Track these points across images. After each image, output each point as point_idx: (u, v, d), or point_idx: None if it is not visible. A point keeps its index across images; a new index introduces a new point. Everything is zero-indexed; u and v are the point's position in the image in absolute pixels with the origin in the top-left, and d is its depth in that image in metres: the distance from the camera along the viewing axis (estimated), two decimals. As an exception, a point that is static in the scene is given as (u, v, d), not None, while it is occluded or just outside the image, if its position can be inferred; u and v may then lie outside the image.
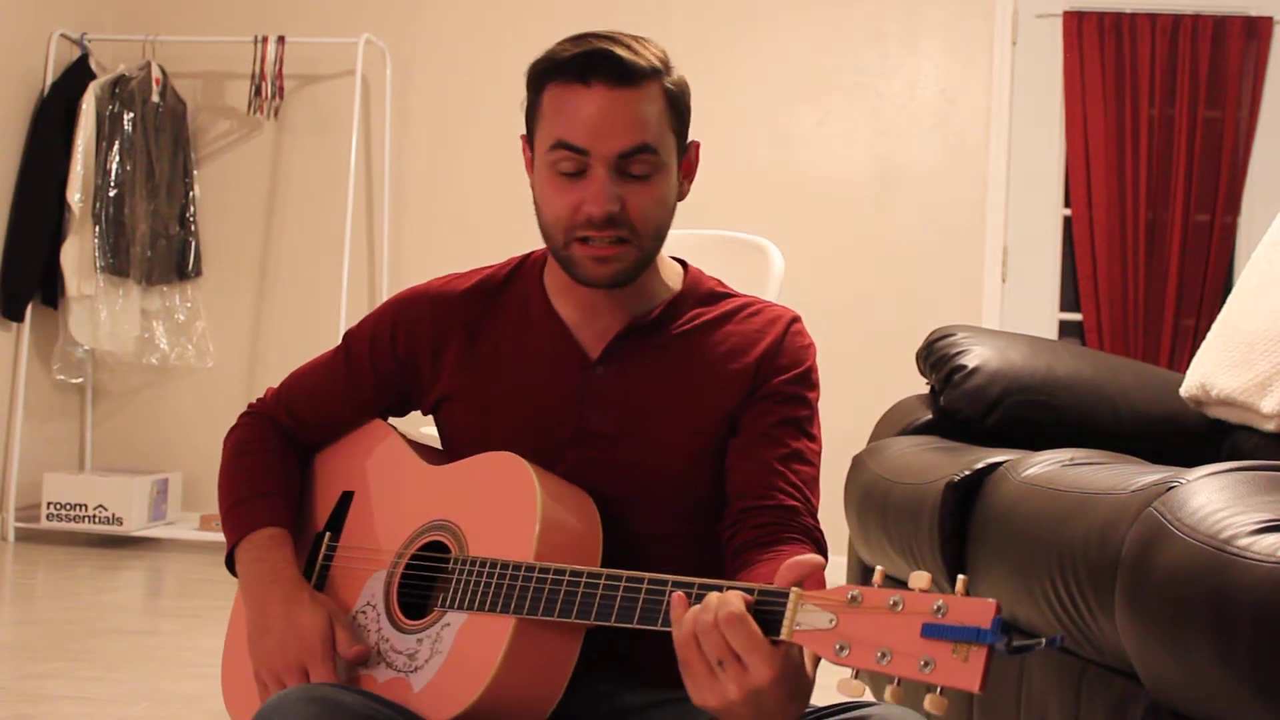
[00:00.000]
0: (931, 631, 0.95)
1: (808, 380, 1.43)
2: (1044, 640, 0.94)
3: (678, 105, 1.36)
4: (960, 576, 0.97)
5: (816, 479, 1.41)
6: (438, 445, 1.50)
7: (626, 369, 1.40)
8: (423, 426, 1.61)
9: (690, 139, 1.41)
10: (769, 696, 1.03)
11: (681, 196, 1.40)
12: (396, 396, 1.49)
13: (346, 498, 1.47)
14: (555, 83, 1.33)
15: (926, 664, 0.94)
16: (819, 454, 1.42)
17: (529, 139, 1.40)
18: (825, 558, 1.30)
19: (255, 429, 1.53)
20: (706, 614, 1.05)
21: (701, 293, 1.46)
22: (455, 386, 1.44)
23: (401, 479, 1.43)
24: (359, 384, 1.49)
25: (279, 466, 1.49)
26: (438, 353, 1.44)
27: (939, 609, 0.95)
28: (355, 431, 1.51)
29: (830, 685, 1.17)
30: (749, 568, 1.30)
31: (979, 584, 1.77)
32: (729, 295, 1.48)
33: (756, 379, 1.40)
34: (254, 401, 1.56)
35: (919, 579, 0.98)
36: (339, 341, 1.53)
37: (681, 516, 1.39)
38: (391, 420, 1.53)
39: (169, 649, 3.22)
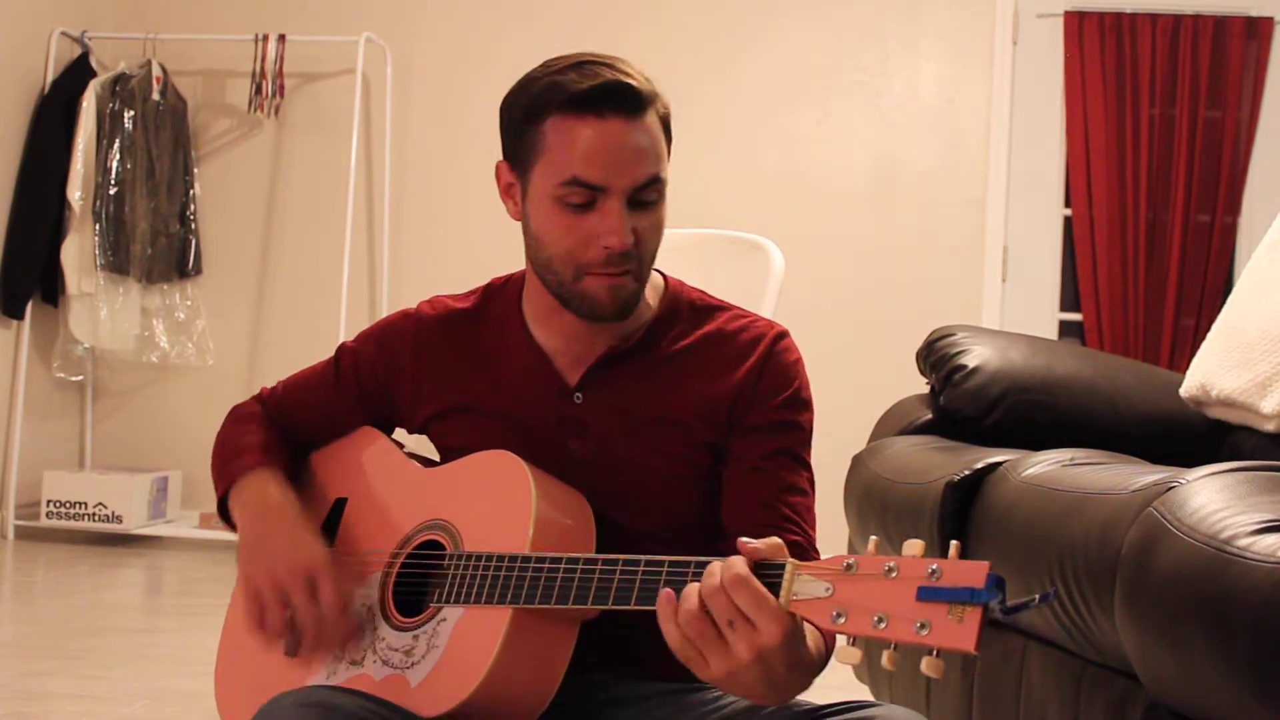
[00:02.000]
0: (927, 594, 0.96)
1: (796, 402, 1.40)
2: (1037, 597, 0.96)
3: (668, 128, 1.36)
4: (953, 543, 0.98)
5: (812, 507, 1.39)
6: (429, 453, 1.50)
7: (605, 396, 1.38)
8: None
9: None
10: (777, 659, 1.04)
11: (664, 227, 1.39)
12: (382, 416, 1.50)
13: (340, 504, 1.46)
14: (563, 114, 1.29)
15: (922, 626, 0.95)
16: (812, 480, 1.40)
17: (518, 167, 1.36)
18: None
19: (257, 411, 1.53)
20: (712, 578, 1.06)
21: (682, 308, 1.43)
22: (436, 413, 1.44)
23: (395, 483, 1.43)
24: (346, 401, 1.50)
25: (282, 445, 1.50)
26: (417, 380, 1.45)
27: (933, 572, 0.96)
28: (347, 438, 1.51)
29: (829, 685, 1.17)
30: None
31: (978, 584, 1.77)
32: (712, 308, 1.45)
33: (738, 406, 1.38)
34: (253, 396, 1.57)
35: (912, 546, 0.99)
36: (336, 343, 1.53)
37: (667, 542, 1.36)
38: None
39: (168, 647, 3.22)
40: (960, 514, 1.82)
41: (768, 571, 1.05)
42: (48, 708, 2.64)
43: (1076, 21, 4.65)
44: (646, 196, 1.31)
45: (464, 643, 1.24)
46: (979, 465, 1.83)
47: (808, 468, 1.40)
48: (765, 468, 1.36)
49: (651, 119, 1.32)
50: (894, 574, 0.98)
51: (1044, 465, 1.70)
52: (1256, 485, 1.29)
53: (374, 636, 1.32)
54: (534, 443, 1.36)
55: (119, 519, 4.62)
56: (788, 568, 1.04)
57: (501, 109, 1.37)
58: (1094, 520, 1.42)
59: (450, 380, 1.43)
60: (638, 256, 1.32)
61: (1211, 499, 1.26)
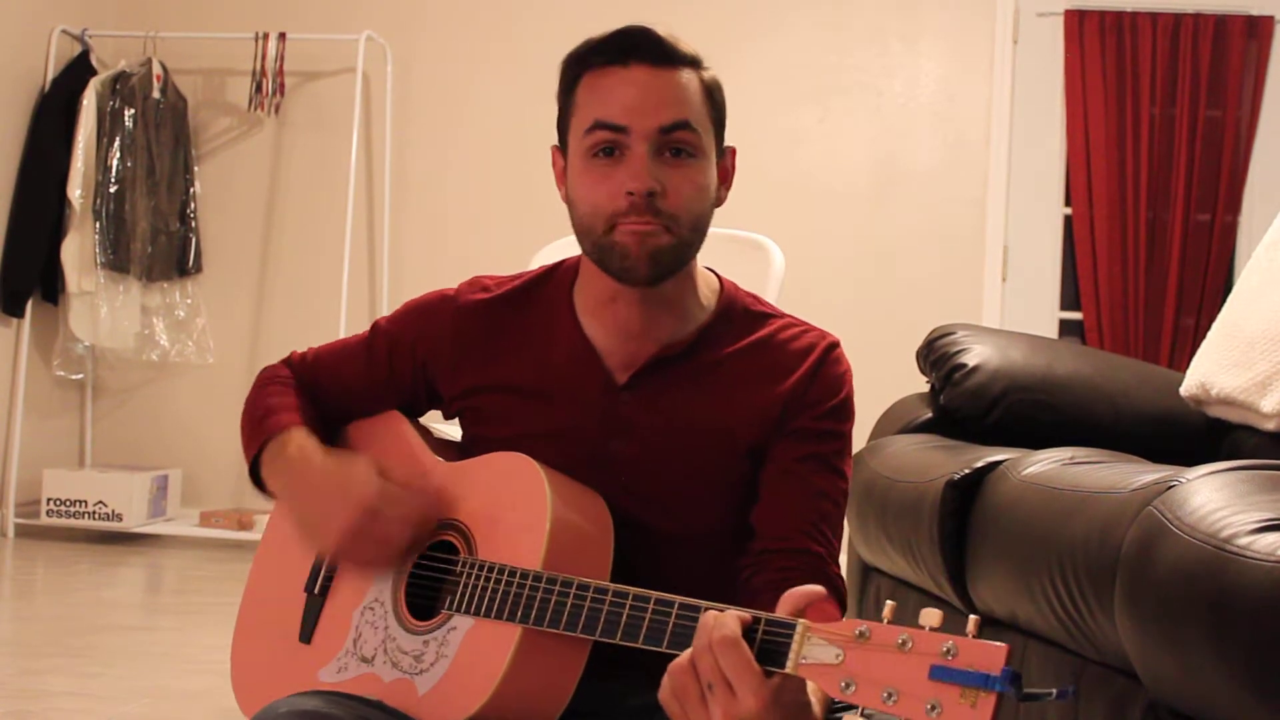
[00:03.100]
0: (940, 674, 0.93)
1: (841, 412, 1.38)
2: (1055, 691, 0.93)
3: (715, 98, 1.35)
4: (972, 617, 0.95)
5: (841, 519, 1.36)
6: (453, 438, 1.48)
7: (653, 396, 1.36)
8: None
9: (727, 144, 1.38)
10: None
11: (719, 202, 1.37)
12: (411, 397, 1.47)
13: None
14: (591, 70, 1.31)
15: (933, 708, 0.92)
16: (846, 491, 1.37)
17: (562, 142, 1.36)
18: (844, 607, 1.27)
19: (286, 375, 1.50)
20: (702, 637, 1.03)
21: (737, 313, 1.41)
22: (473, 400, 1.42)
23: (413, 475, 1.41)
24: (376, 378, 1.47)
25: (310, 406, 1.47)
26: (456, 365, 1.42)
27: (948, 651, 0.93)
28: (368, 425, 1.48)
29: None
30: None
31: (979, 583, 1.77)
32: (766, 315, 1.42)
33: (785, 414, 1.35)
34: (282, 360, 1.54)
35: (929, 616, 0.96)
36: (346, 331, 1.50)
37: (700, 547, 1.36)
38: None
39: (168, 645, 3.22)
40: (960, 513, 1.82)
41: (778, 630, 1.02)
42: (47, 705, 2.64)
43: (1077, 20, 4.65)
44: (676, 146, 1.29)
45: (473, 656, 1.23)
46: (979, 464, 1.83)
47: (844, 478, 1.37)
48: (799, 472, 1.34)
49: (686, 76, 1.31)
50: (908, 647, 0.95)
51: (1044, 464, 1.70)
52: (1256, 484, 1.29)
53: (385, 635, 1.31)
54: (574, 436, 1.35)
55: (119, 517, 4.62)
56: (798, 629, 1.01)
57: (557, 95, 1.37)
58: (1094, 519, 1.42)
59: (491, 362, 1.40)
60: (669, 212, 1.28)
61: (1211, 498, 1.26)
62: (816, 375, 1.37)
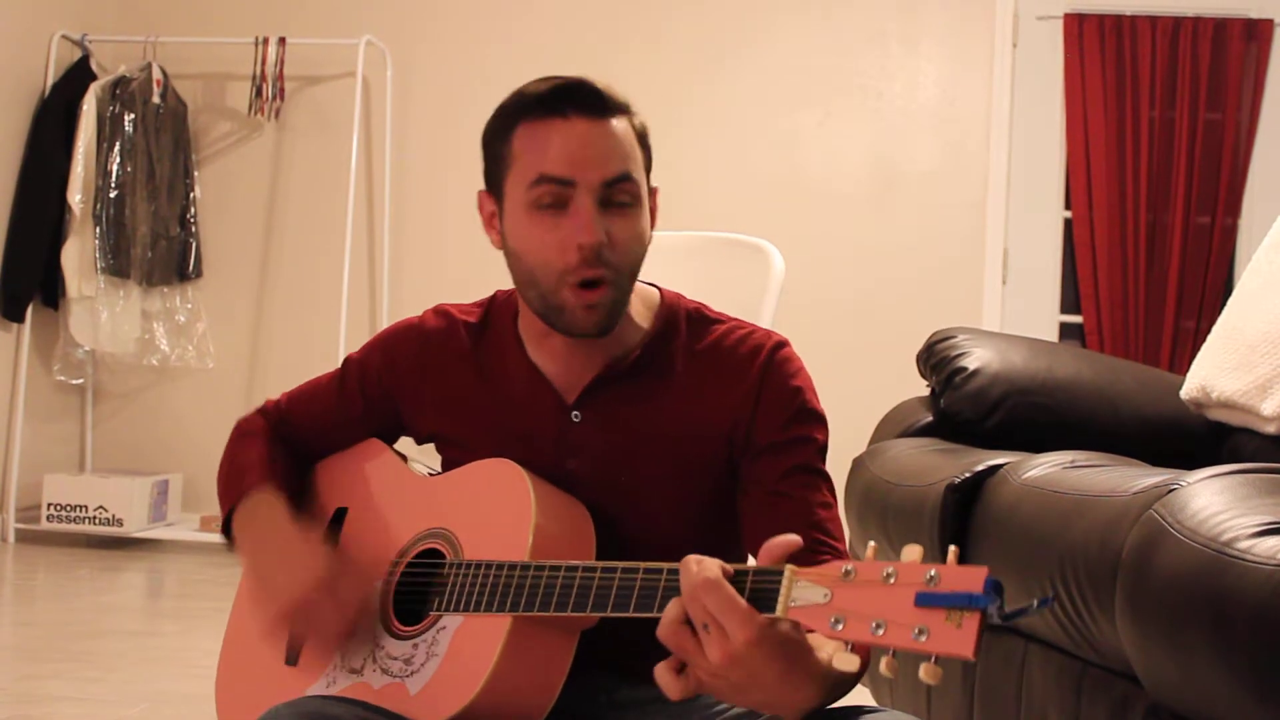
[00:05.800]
0: (925, 600, 0.95)
1: (804, 415, 1.36)
2: (1035, 602, 0.95)
3: (645, 143, 1.35)
4: (952, 548, 0.97)
5: (837, 518, 1.35)
6: (433, 466, 1.50)
7: (604, 415, 1.37)
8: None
9: (653, 185, 1.38)
10: (758, 665, 1.03)
11: (649, 241, 1.37)
12: (387, 426, 1.50)
13: (340, 514, 1.46)
14: (527, 120, 1.30)
15: (920, 632, 0.94)
16: (833, 489, 1.37)
17: (495, 190, 1.37)
18: None
19: (259, 425, 1.53)
20: (686, 582, 1.05)
21: (679, 323, 1.41)
22: (438, 427, 1.44)
23: (396, 492, 1.43)
24: (350, 413, 1.49)
25: (284, 459, 1.49)
26: (420, 391, 1.44)
27: (931, 578, 0.96)
28: (348, 456, 1.50)
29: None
30: None
31: (979, 586, 1.77)
32: (710, 322, 1.42)
33: (739, 427, 1.35)
34: (256, 409, 1.56)
35: (911, 552, 0.98)
36: (336, 347, 1.52)
37: (665, 559, 1.37)
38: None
39: (169, 650, 3.22)
40: (961, 516, 1.82)
41: (766, 577, 1.04)
42: (48, 710, 2.64)
43: (1076, 24, 4.65)
44: (619, 197, 1.29)
45: (463, 651, 1.24)
46: (980, 468, 1.83)
47: (827, 478, 1.37)
48: (785, 489, 1.33)
49: (621, 125, 1.31)
50: (892, 580, 0.97)
51: (1045, 468, 1.70)
52: (1257, 487, 1.29)
53: (374, 645, 1.31)
54: (534, 461, 1.35)
55: (119, 522, 4.62)
56: (785, 573, 1.03)
57: (481, 140, 1.38)
58: (1095, 522, 1.42)
59: (454, 396, 1.43)
60: (614, 264, 1.29)
61: (1212, 501, 1.26)
62: (764, 382, 1.36)
